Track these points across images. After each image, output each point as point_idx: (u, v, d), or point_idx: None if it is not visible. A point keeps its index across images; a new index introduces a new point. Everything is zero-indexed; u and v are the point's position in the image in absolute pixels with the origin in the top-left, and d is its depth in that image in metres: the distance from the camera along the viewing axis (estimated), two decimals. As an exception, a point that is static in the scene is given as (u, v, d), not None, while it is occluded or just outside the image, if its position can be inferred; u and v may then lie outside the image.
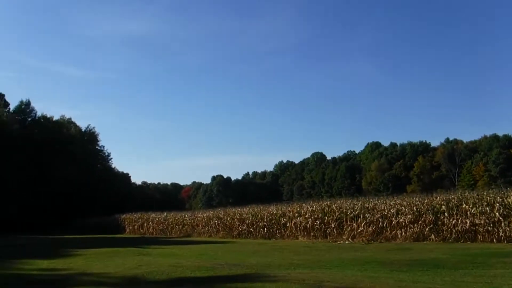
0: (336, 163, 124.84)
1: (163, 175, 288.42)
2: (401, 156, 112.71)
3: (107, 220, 46.15)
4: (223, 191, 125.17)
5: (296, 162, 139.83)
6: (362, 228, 20.32)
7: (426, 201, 20.31)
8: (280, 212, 24.85)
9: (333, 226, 21.50)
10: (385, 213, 20.25)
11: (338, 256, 14.04)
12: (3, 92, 65.10)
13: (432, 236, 18.31)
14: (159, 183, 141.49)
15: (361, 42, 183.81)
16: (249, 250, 17.12)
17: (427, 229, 18.67)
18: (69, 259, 14.28)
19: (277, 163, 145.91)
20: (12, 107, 64.90)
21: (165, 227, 35.34)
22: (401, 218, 19.49)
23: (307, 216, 22.91)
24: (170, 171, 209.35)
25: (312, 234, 22.22)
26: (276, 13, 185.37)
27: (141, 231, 38.16)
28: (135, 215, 41.00)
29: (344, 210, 21.73)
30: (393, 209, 20.16)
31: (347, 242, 19.85)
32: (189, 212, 38.17)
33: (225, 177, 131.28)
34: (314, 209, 23.14)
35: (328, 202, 23.61)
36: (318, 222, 22.23)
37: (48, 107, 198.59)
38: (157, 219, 36.82)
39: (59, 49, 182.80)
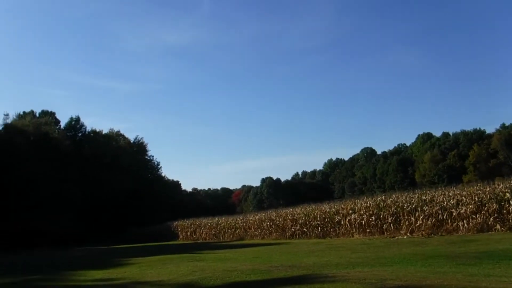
0: (387, 157, 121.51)
1: (212, 181, 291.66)
2: (455, 146, 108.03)
3: (160, 228, 46.93)
4: (273, 193, 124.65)
5: (346, 159, 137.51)
6: (421, 222, 19.31)
7: (488, 189, 19.09)
8: (334, 210, 24.15)
9: (389, 221, 20.59)
10: (445, 204, 19.16)
11: (398, 252, 13.30)
12: (53, 110, 68.06)
13: (498, 226, 17.12)
14: (209, 189, 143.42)
15: (401, 33, 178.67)
16: (304, 250, 16.62)
17: (491, 219, 17.48)
18: (123, 268, 14.34)
19: (326, 161, 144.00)
20: (62, 124, 67.68)
21: (217, 231, 35.39)
22: (462, 209, 18.37)
23: (361, 212, 22.12)
24: (220, 176, 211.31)
25: (368, 230, 21.42)
26: (313, 12, 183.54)
27: (194, 237, 38.44)
28: (187, 222, 41.41)
29: (401, 204, 20.77)
30: (453, 200, 19.06)
31: (405, 237, 18.96)
32: (240, 215, 38.08)
33: (274, 178, 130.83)
34: (368, 205, 22.32)
35: (383, 197, 22.70)
36: (373, 218, 21.39)
37: (97, 122, 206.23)
38: (209, 224, 36.96)
39: (104, 64, 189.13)
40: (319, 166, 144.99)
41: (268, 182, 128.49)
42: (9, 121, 57.27)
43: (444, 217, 18.60)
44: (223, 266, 12.27)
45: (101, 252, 27.02)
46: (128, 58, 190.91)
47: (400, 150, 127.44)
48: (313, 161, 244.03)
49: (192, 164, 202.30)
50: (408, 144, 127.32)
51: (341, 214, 23.31)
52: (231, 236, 32.99)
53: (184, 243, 35.10)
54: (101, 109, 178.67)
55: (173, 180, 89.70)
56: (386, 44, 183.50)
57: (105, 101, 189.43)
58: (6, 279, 13.86)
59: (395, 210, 20.80)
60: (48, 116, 64.12)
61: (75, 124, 68.61)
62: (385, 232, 20.55)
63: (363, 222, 21.74)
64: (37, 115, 64.65)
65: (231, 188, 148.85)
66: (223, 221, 35.45)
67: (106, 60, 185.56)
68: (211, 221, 37.40)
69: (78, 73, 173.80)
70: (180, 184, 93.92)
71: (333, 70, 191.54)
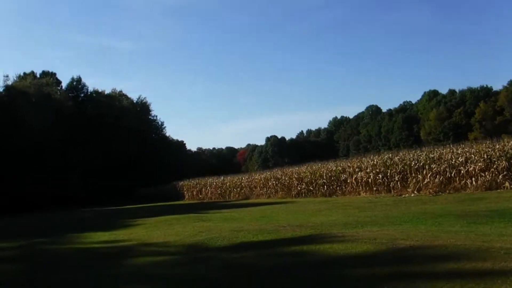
0: (392, 115, 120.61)
1: (217, 140, 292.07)
2: (461, 103, 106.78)
3: (166, 188, 47.21)
4: (278, 152, 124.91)
5: (351, 117, 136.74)
6: (428, 180, 19.10)
7: (497, 147, 18.75)
8: (340, 168, 23.95)
9: (396, 179, 20.41)
10: (453, 162, 18.90)
11: (406, 210, 13.14)
12: (53, 71, 67.23)
13: (507, 184, 16.89)
14: (214, 148, 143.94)
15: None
16: (310, 209, 16.51)
17: (500, 177, 17.25)
18: (129, 229, 14.29)
19: (331, 119, 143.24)
20: (63, 85, 66.98)
21: (223, 191, 35.51)
22: (470, 166, 18.11)
23: (368, 170, 21.92)
24: (224, 135, 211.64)
25: (374, 189, 21.29)
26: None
27: (200, 196, 38.66)
28: (193, 181, 41.55)
29: (408, 162, 20.52)
30: (461, 158, 18.77)
31: (413, 195, 18.82)
32: (246, 174, 38.10)
33: (279, 137, 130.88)
34: (375, 162, 22.09)
35: (390, 155, 22.44)
36: (380, 176, 21.22)
37: (99, 83, 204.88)
38: (215, 183, 37.05)
39: (105, 23, 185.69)
40: (324, 124, 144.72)
41: (273, 141, 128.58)
42: (9, 82, 56.68)
43: (452, 175, 18.37)
44: (229, 226, 12.15)
45: (106, 213, 27.20)
46: (129, 17, 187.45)
47: (405, 107, 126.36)
48: (318, 119, 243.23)
49: (196, 124, 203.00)
50: (413, 102, 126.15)
51: (348, 172, 23.13)
52: (237, 195, 33.08)
53: (190, 203, 35.30)
54: (103, 70, 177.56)
55: (177, 140, 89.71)
56: (394, 0, 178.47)
57: (106, 61, 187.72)
58: (11, 242, 13.87)
59: (402, 168, 20.59)
60: (49, 76, 63.42)
61: (76, 84, 67.84)
62: (392, 190, 20.41)
63: (369, 180, 21.58)
64: (38, 76, 63.88)
65: (236, 147, 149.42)
66: (229, 181, 35.49)
67: (107, 19, 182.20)
68: (216, 180, 37.48)
69: (78, 33, 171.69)
70: (184, 144, 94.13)
71: (339, 27, 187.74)
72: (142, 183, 55.54)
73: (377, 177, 21.30)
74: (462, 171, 18.24)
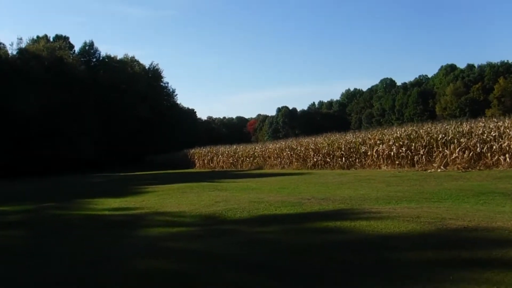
0: (407, 88, 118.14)
1: (227, 109, 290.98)
2: (480, 79, 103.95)
3: (176, 155, 46.65)
4: (289, 123, 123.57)
5: (364, 89, 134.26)
6: (456, 155, 17.97)
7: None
8: (360, 139, 22.89)
9: (421, 153, 19.30)
10: (484, 137, 17.73)
11: (439, 186, 12.15)
12: (67, 35, 66.17)
13: (544, 161, 15.80)
14: (224, 118, 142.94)
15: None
16: (331, 181, 15.58)
17: (537, 154, 16.14)
18: (141, 196, 13.53)
19: (343, 92, 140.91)
20: (76, 49, 66.23)
21: (235, 160, 34.69)
22: (504, 142, 16.93)
23: (390, 143, 20.83)
24: (235, 105, 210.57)
25: (397, 162, 20.24)
26: None
27: (211, 165, 37.95)
28: (204, 149, 40.82)
29: (434, 136, 19.37)
30: (495, 132, 17.58)
31: (439, 170, 17.73)
32: (259, 144, 37.21)
33: (290, 108, 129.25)
34: (398, 135, 20.96)
35: (415, 127, 21.25)
36: (404, 149, 20.12)
37: (112, 49, 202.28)
38: (227, 152, 36.23)
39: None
40: (336, 97, 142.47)
41: (284, 112, 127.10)
42: (22, 45, 56.17)
43: (484, 150, 17.22)
44: (248, 197, 11.29)
45: (117, 179, 26.56)
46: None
47: (421, 81, 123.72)
48: (330, 91, 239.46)
49: (207, 93, 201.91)
50: (429, 76, 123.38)
51: (368, 145, 22.06)
52: (249, 165, 32.24)
53: (202, 171, 34.62)
54: (116, 36, 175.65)
55: (188, 108, 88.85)
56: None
57: (119, 27, 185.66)
58: (18, 205, 13.22)
59: (427, 142, 19.46)
60: (62, 40, 62.46)
61: (89, 49, 67.05)
62: (416, 165, 19.36)
63: (392, 153, 20.52)
64: (51, 40, 62.94)
65: (246, 117, 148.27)
66: (241, 150, 34.62)
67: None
68: (228, 149, 36.64)
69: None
70: (195, 112, 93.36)
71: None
72: (152, 150, 55.17)
73: (400, 151, 20.21)
74: (494, 147, 17.08)
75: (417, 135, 20.16)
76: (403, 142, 20.36)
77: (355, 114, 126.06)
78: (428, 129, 20.27)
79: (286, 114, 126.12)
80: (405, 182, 14.01)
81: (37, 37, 61.63)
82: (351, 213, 8.05)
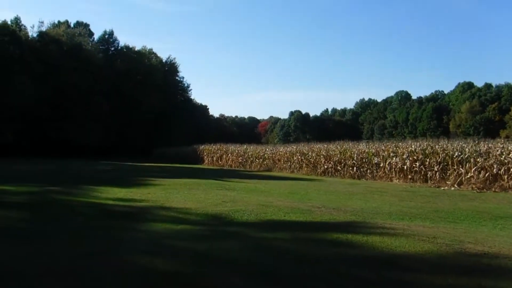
0: (422, 103, 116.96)
1: (240, 109, 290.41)
2: (496, 98, 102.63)
3: (186, 150, 46.50)
4: (301, 127, 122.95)
5: (379, 100, 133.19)
6: (472, 174, 17.54)
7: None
8: (373, 150, 22.47)
9: (435, 169, 18.88)
10: (502, 158, 17.25)
11: (453, 205, 11.74)
12: (87, 23, 66.48)
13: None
14: (236, 116, 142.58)
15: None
16: (342, 191, 15.22)
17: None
18: (147, 188, 13.29)
19: (358, 101, 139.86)
20: (96, 37, 66.51)
21: (244, 160, 34.40)
22: (523, 165, 16.46)
23: (404, 156, 20.40)
24: (248, 104, 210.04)
25: (409, 177, 19.83)
26: None
27: (220, 163, 37.72)
28: (214, 146, 40.60)
29: (450, 153, 18.92)
30: (513, 155, 17.11)
31: (452, 188, 17.32)
32: (270, 146, 36.90)
33: (303, 112, 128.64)
34: (413, 149, 20.52)
35: (431, 143, 20.79)
36: (417, 164, 19.70)
37: (130, 40, 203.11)
38: (236, 151, 35.95)
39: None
40: (350, 105, 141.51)
41: (297, 116, 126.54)
42: (43, 28, 56.57)
43: (501, 172, 16.75)
44: (256, 199, 11.00)
45: (125, 169, 26.41)
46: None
47: (436, 97, 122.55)
48: (345, 99, 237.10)
49: (221, 90, 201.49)
50: (446, 92, 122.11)
51: (381, 156, 21.64)
52: (258, 166, 31.93)
53: (210, 168, 34.36)
54: (135, 27, 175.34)
55: (201, 104, 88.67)
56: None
57: (140, 19, 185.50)
58: (23, 186, 13.06)
59: (443, 158, 19.01)
60: (82, 27, 62.82)
61: (108, 37, 67.32)
62: (429, 181, 18.93)
63: (405, 167, 20.10)
64: (72, 26, 63.27)
65: (258, 118, 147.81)
66: (252, 150, 34.31)
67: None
68: (239, 148, 36.36)
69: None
70: (208, 108, 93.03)
71: (375, 7, 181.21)
72: (162, 143, 55.13)
73: (414, 165, 19.80)
74: None
75: (432, 150, 19.72)
76: (418, 157, 19.94)
77: (368, 124, 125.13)
78: (444, 145, 19.81)
79: (299, 118, 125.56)
80: (418, 197, 13.62)
81: (58, 22, 62.02)
82: (363, 226, 7.72)
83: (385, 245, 6.19)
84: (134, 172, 23.03)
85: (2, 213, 8.58)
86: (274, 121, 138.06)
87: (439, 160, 19.04)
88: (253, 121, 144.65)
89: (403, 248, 6.00)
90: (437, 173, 18.78)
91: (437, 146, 19.90)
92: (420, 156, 19.86)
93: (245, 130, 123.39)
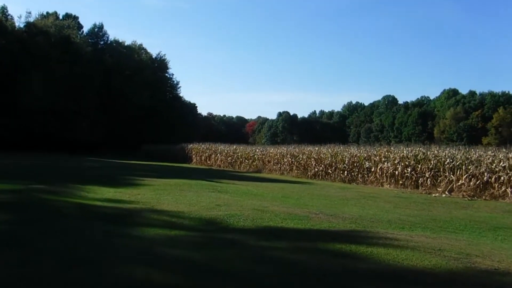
0: (408, 107, 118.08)
1: (228, 108, 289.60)
2: (480, 106, 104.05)
3: (174, 148, 45.96)
4: (288, 128, 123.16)
5: (366, 104, 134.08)
6: (463, 182, 17.44)
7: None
8: (365, 155, 22.29)
9: (427, 176, 18.75)
10: (493, 166, 17.18)
11: (449, 214, 11.56)
12: (77, 15, 65.35)
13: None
14: (224, 116, 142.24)
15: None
16: (335, 195, 14.97)
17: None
18: (136, 189, 12.84)
19: (345, 104, 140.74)
20: (85, 30, 65.42)
21: (233, 160, 33.98)
22: (513, 174, 16.39)
23: (396, 162, 20.25)
24: (236, 104, 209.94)
25: (400, 182, 19.67)
26: None
27: (208, 162, 37.25)
28: (202, 146, 40.10)
29: (442, 160, 18.82)
30: (504, 163, 17.04)
31: (444, 195, 17.20)
32: (259, 146, 36.53)
33: (291, 114, 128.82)
34: (405, 154, 20.38)
35: (423, 149, 20.67)
36: (409, 169, 19.56)
37: (120, 34, 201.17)
38: (225, 151, 35.48)
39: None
40: (338, 108, 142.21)
41: (285, 117, 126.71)
42: (31, 19, 55.31)
43: (492, 180, 16.67)
44: (251, 203, 10.67)
45: (112, 166, 25.79)
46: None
47: (422, 102, 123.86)
48: (332, 102, 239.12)
49: (210, 88, 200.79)
50: (431, 98, 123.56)
51: (373, 161, 21.46)
52: (247, 167, 31.55)
53: (199, 167, 33.85)
54: (125, 21, 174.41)
55: (189, 102, 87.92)
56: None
57: (130, 13, 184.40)
58: (7, 184, 12.50)
59: (434, 165, 18.90)
60: (71, 19, 61.59)
61: (98, 31, 66.15)
62: (420, 187, 18.80)
63: (396, 172, 19.95)
64: (61, 17, 62.08)
65: (246, 117, 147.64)
66: (241, 150, 33.88)
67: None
68: (228, 148, 35.89)
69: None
70: (196, 106, 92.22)
71: (365, 12, 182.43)
72: (150, 140, 54.48)
73: (405, 171, 19.65)
74: (502, 177, 16.54)
75: (424, 157, 19.60)
76: (409, 163, 19.80)
77: (354, 127, 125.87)
78: (436, 152, 19.70)
79: (287, 119, 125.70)
80: (412, 204, 13.44)
81: (47, 13, 60.61)
82: (365, 236, 7.45)
83: (391, 257, 5.92)
84: (122, 170, 22.49)
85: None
86: (262, 121, 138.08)
87: (430, 166, 18.92)
88: (241, 121, 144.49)
89: (410, 262, 5.74)
90: (428, 179, 18.65)
91: (429, 153, 19.79)
92: (412, 162, 19.73)
93: (233, 130, 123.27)
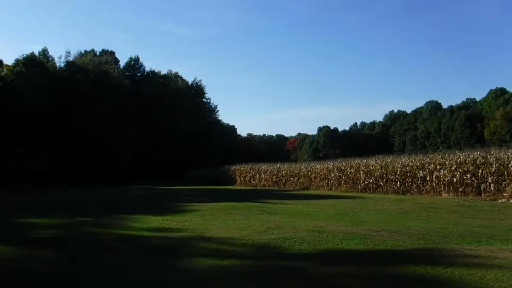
0: (453, 112, 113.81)
1: (267, 127, 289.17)
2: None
3: (217, 171, 45.81)
4: (330, 142, 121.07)
5: (408, 111, 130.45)
6: (531, 184, 16.05)
7: None
8: (418, 163, 21.08)
9: (489, 181, 17.40)
10: None
11: (525, 222, 10.39)
12: (113, 50, 67.35)
13: None
14: (264, 135, 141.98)
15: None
16: (391, 208, 13.98)
17: None
18: (183, 215, 12.35)
19: (387, 113, 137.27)
20: (121, 64, 67.21)
21: (278, 179, 33.30)
22: None
23: (453, 168, 18.97)
24: (275, 122, 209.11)
25: (460, 190, 18.37)
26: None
27: (253, 182, 36.74)
28: (246, 166, 39.72)
29: (505, 162, 17.43)
30: None
31: (511, 200, 15.85)
32: (304, 163, 35.68)
33: (331, 128, 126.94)
34: (462, 160, 19.07)
35: (482, 152, 19.30)
36: (468, 176, 18.25)
37: (156, 65, 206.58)
38: (270, 170, 34.87)
39: (165, 9, 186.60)
40: (379, 118, 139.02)
41: (325, 131, 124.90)
42: (70, 58, 57.41)
43: None
44: (304, 224, 9.95)
45: (157, 193, 25.64)
46: (189, 3, 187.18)
47: (468, 105, 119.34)
48: (373, 112, 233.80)
49: (247, 110, 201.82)
50: (477, 99, 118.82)
51: (427, 169, 20.23)
52: (293, 185, 30.78)
53: (244, 188, 33.33)
54: (160, 53, 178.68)
55: (228, 125, 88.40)
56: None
57: (164, 45, 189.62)
58: (53, 218, 12.35)
59: (497, 168, 17.52)
60: (108, 55, 63.59)
61: (134, 64, 67.78)
62: (483, 193, 17.45)
63: (454, 179, 18.66)
64: (98, 54, 64.16)
65: (286, 135, 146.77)
66: (285, 169, 33.18)
67: (167, 4, 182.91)
68: (272, 167, 35.27)
69: (138, 17, 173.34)
70: (235, 128, 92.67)
71: (401, 18, 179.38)
72: (192, 165, 54.71)
73: (464, 177, 18.35)
74: None
75: (484, 161, 18.23)
76: (468, 168, 18.49)
77: (398, 136, 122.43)
78: (497, 154, 18.30)
79: (327, 134, 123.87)
80: (479, 213, 12.29)
81: (85, 51, 63.11)
82: (439, 255, 6.58)
83: (477, 279, 5.11)
84: (167, 197, 22.26)
85: (29, 251, 7.77)
86: (302, 137, 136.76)
87: (492, 170, 17.55)
88: (281, 139, 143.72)
89: (501, 284, 4.92)
90: (492, 184, 17.29)
91: (489, 156, 18.41)
92: (471, 167, 18.41)
93: (274, 148, 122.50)
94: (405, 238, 7.90)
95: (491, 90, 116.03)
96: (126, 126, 51.68)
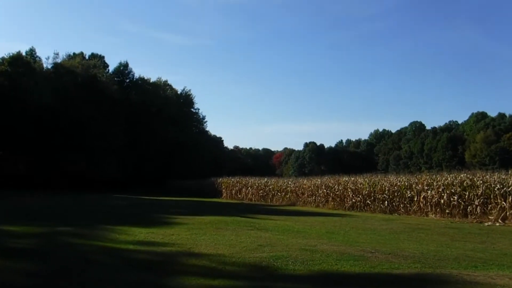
0: (436, 133, 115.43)
1: (254, 140, 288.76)
2: (510, 128, 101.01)
3: (203, 183, 45.33)
4: (316, 158, 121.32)
5: (393, 131, 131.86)
6: (518, 209, 16.06)
7: None
8: (406, 183, 21.05)
9: (476, 203, 17.42)
10: (552, 192, 15.79)
11: (515, 247, 10.32)
12: (102, 54, 66.67)
13: None
14: (250, 148, 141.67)
15: (467, 8, 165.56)
16: (381, 228, 13.81)
17: None
18: (170, 228, 11.96)
19: (372, 132, 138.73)
20: (111, 69, 66.33)
21: (265, 193, 32.98)
22: None
23: (440, 190, 18.96)
24: (262, 136, 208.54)
25: (447, 211, 18.35)
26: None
27: (239, 196, 36.34)
28: (232, 179, 39.31)
29: (491, 185, 17.48)
30: None
31: (497, 224, 15.91)
32: (291, 178, 35.42)
33: (318, 144, 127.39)
34: (450, 181, 19.08)
35: (469, 175, 19.33)
36: (455, 197, 18.25)
37: (145, 72, 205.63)
38: (257, 184, 34.54)
39: (157, 16, 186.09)
40: (365, 136, 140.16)
41: (311, 147, 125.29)
42: (59, 60, 56.53)
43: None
44: (296, 242, 9.70)
45: (142, 204, 25.12)
46: (183, 12, 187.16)
47: (451, 127, 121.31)
48: (359, 130, 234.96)
49: (235, 122, 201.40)
50: (460, 122, 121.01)
51: (415, 190, 20.20)
52: (280, 200, 30.50)
53: (230, 202, 32.91)
54: (150, 60, 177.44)
55: (215, 136, 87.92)
56: (449, 17, 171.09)
57: (154, 52, 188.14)
58: (33, 226, 11.86)
59: (483, 191, 17.55)
60: (97, 59, 62.76)
61: (123, 69, 67.04)
62: (469, 216, 17.45)
63: (442, 201, 18.64)
64: (87, 57, 63.44)
65: (273, 149, 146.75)
66: (273, 183, 32.89)
67: (159, 11, 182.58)
68: (259, 181, 34.94)
69: (130, 22, 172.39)
70: (222, 140, 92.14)
71: (388, 39, 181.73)
72: (178, 175, 54.14)
73: (452, 199, 18.34)
74: None
75: (471, 183, 18.27)
76: (455, 190, 18.49)
77: (383, 155, 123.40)
78: (484, 177, 18.34)
79: (313, 150, 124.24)
80: (468, 236, 12.21)
81: (73, 53, 62.12)
82: (438, 280, 6.41)
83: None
84: (152, 207, 21.80)
85: (2, 263, 7.29)
86: (288, 152, 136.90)
87: (479, 193, 17.58)
88: (267, 153, 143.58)
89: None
90: (478, 207, 17.31)
91: (475, 179, 18.46)
92: (458, 189, 18.43)
93: (260, 162, 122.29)
94: (400, 261, 7.71)
95: (472, 113, 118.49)
96: (113, 132, 50.90)
